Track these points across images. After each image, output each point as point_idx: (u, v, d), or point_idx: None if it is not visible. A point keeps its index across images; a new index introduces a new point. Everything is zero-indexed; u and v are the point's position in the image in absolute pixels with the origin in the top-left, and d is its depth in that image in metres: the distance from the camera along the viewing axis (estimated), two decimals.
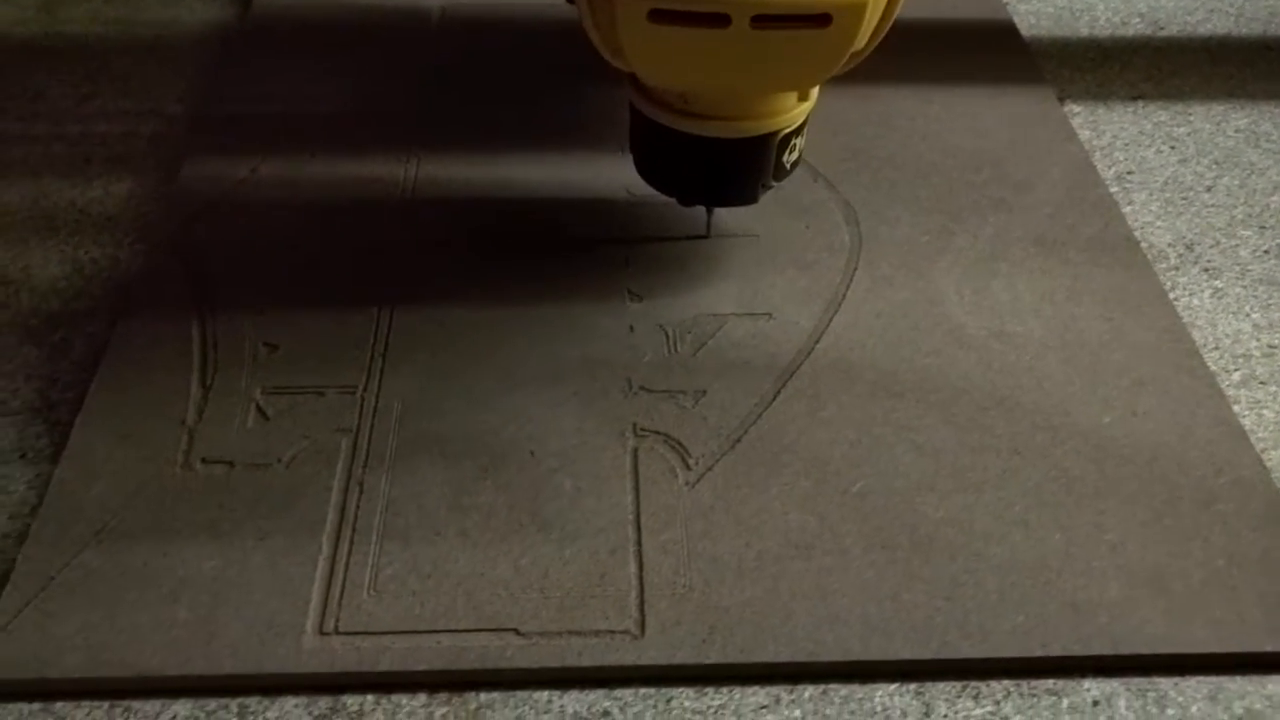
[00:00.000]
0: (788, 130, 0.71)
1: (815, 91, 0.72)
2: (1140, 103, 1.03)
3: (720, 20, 0.58)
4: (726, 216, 0.83)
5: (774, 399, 0.72)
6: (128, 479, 0.66)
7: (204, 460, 0.68)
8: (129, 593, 0.61)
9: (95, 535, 0.63)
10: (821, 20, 0.59)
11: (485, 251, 0.83)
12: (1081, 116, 1.01)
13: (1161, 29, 1.13)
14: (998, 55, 1.06)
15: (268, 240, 0.83)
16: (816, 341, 0.76)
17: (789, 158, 0.74)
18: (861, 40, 0.62)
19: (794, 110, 0.71)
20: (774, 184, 0.75)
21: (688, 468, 0.68)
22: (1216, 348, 0.78)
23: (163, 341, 0.75)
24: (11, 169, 0.91)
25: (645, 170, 0.78)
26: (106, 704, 0.58)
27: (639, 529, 0.64)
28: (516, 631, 0.59)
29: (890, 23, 0.63)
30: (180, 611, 0.60)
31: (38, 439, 0.70)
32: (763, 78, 0.66)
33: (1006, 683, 0.60)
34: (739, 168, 0.73)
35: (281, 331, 0.76)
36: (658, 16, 0.59)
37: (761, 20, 0.58)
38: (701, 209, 0.81)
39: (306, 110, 0.96)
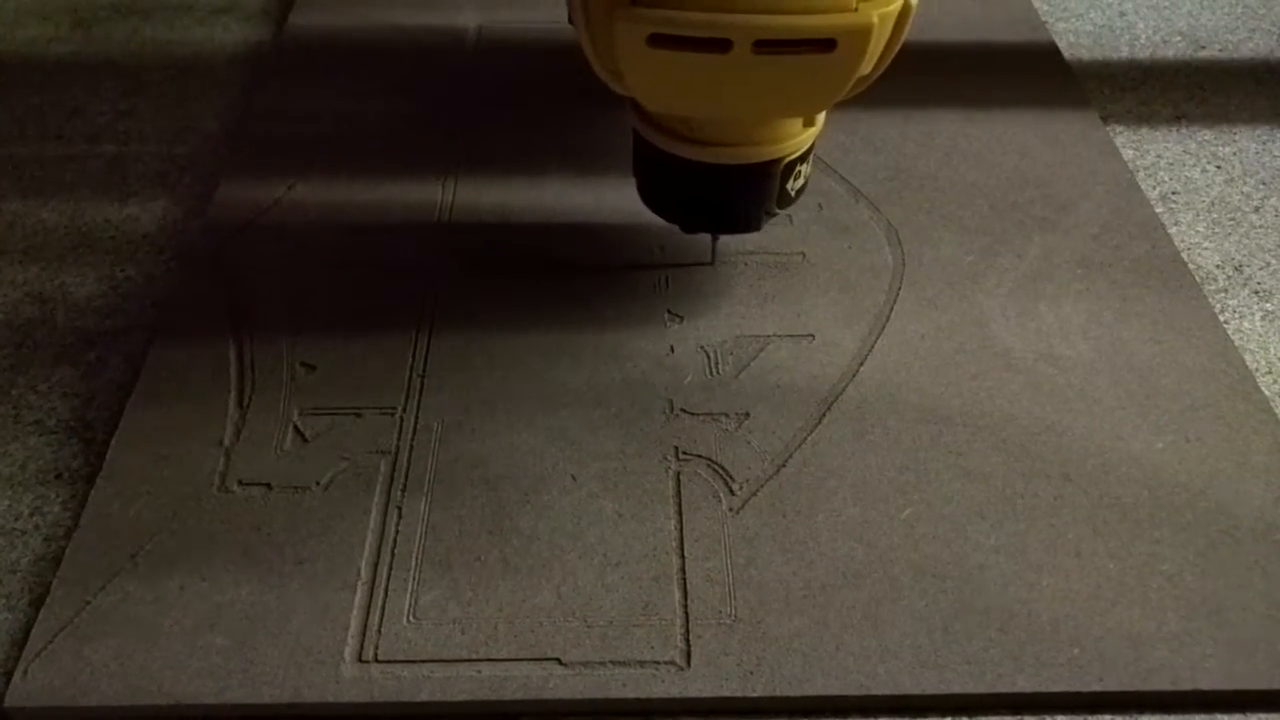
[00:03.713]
0: (793, 157, 0.70)
1: (821, 118, 0.70)
2: (1183, 122, 1.01)
3: (721, 45, 0.57)
4: (766, 237, 0.82)
5: (819, 423, 0.71)
6: (165, 501, 0.66)
7: (241, 482, 0.67)
8: (165, 618, 0.60)
9: (131, 559, 0.63)
10: (826, 45, 0.57)
11: (523, 272, 0.82)
12: (1124, 136, 0.99)
13: (1203, 48, 1.12)
14: (1039, 75, 1.04)
15: (304, 260, 0.83)
16: (861, 364, 0.74)
17: (794, 185, 0.72)
18: (868, 65, 0.61)
19: (799, 137, 0.69)
20: (778, 211, 0.74)
21: (731, 493, 0.67)
22: (1270, 372, 0.76)
23: (199, 361, 0.74)
24: (48, 187, 0.91)
25: (648, 197, 0.76)
26: None
27: (683, 556, 0.63)
28: (559, 661, 0.58)
29: (897, 48, 0.61)
30: (217, 638, 0.59)
31: (73, 459, 0.69)
32: (766, 103, 0.64)
33: (1062, 718, 0.58)
34: (742, 195, 0.72)
35: (319, 352, 0.75)
36: (658, 41, 0.57)
37: (764, 45, 0.57)
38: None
39: (342, 130, 0.96)
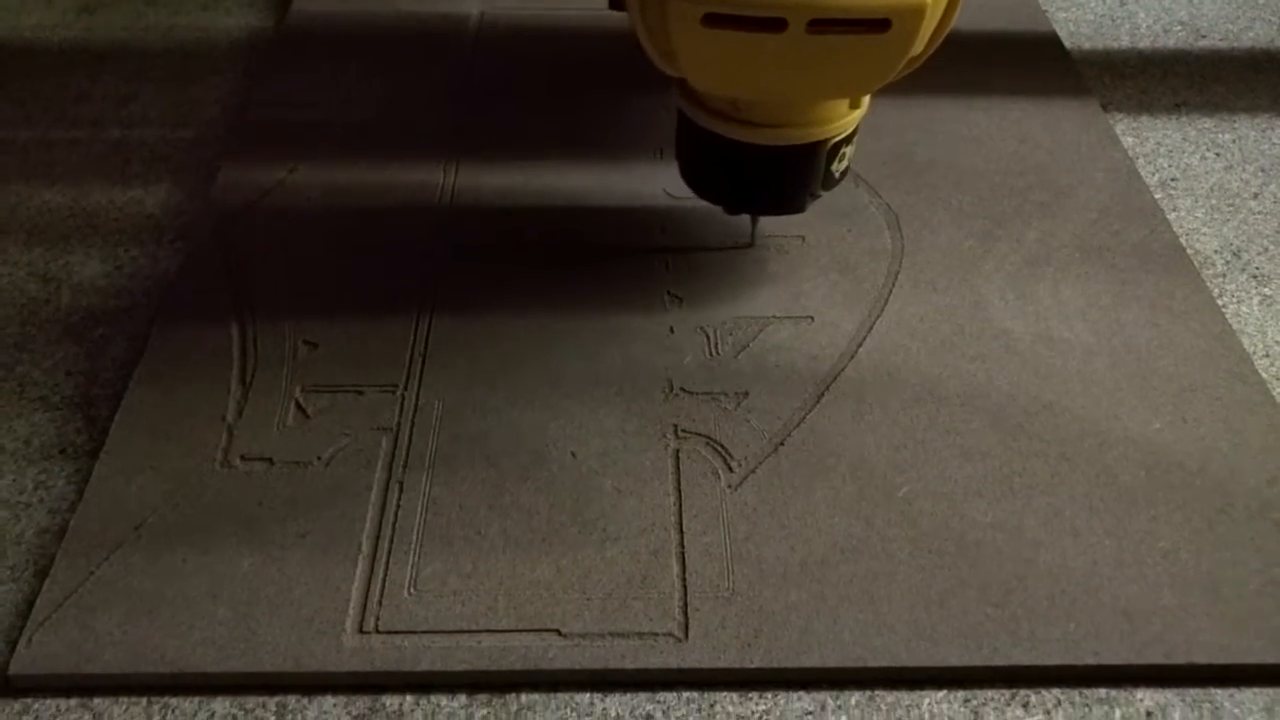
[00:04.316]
0: (838, 138, 0.70)
1: (866, 99, 0.71)
2: (1183, 110, 1.01)
3: (777, 25, 0.56)
4: (768, 221, 0.82)
5: (817, 402, 0.71)
6: (167, 475, 0.66)
7: (244, 457, 0.67)
8: (168, 589, 0.60)
9: (134, 531, 0.63)
10: (880, 25, 0.57)
11: (524, 254, 0.82)
12: (1124, 123, 0.99)
13: (1203, 37, 1.12)
14: (1040, 63, 1.05)
15: (306, 241, 0.83)
16: (859, 345, 0.75)
17: (838, 166, 0.72)
18: (919, 45, 0.61)
19: (845, 118, 0.69)
20: (821, 193, 0.74)
21: (730, 470, 0.67)
22: (1267, 355, 0.77)
23: (202, 339, 0.74)
24: (53, 170, 0.92)
25: (691, 178, 0.76)
26: (144, 700, 0.57)
27: (681, 531, 0.64)
28: (558, 632, 0.59)
29: (948, 28, 0.61)
30: (219, 609, 0.59)
31: (77, 435, 0.70)
32: (818, 84, 0.64)
33: (1057, 691, 0.58)
34: (788, 176, 0.72)
35: (321, 330, 0.75)
36: (712, 20, 0.57)
37: (819, 25, 0.56)
38: (744, 216, 0.80)
39: (344, 114, 0.96)
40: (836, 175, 0.73)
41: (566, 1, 1.11)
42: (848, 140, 0.71)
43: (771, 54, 0.59)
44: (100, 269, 0.82)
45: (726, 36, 0.58)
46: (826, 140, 0.69)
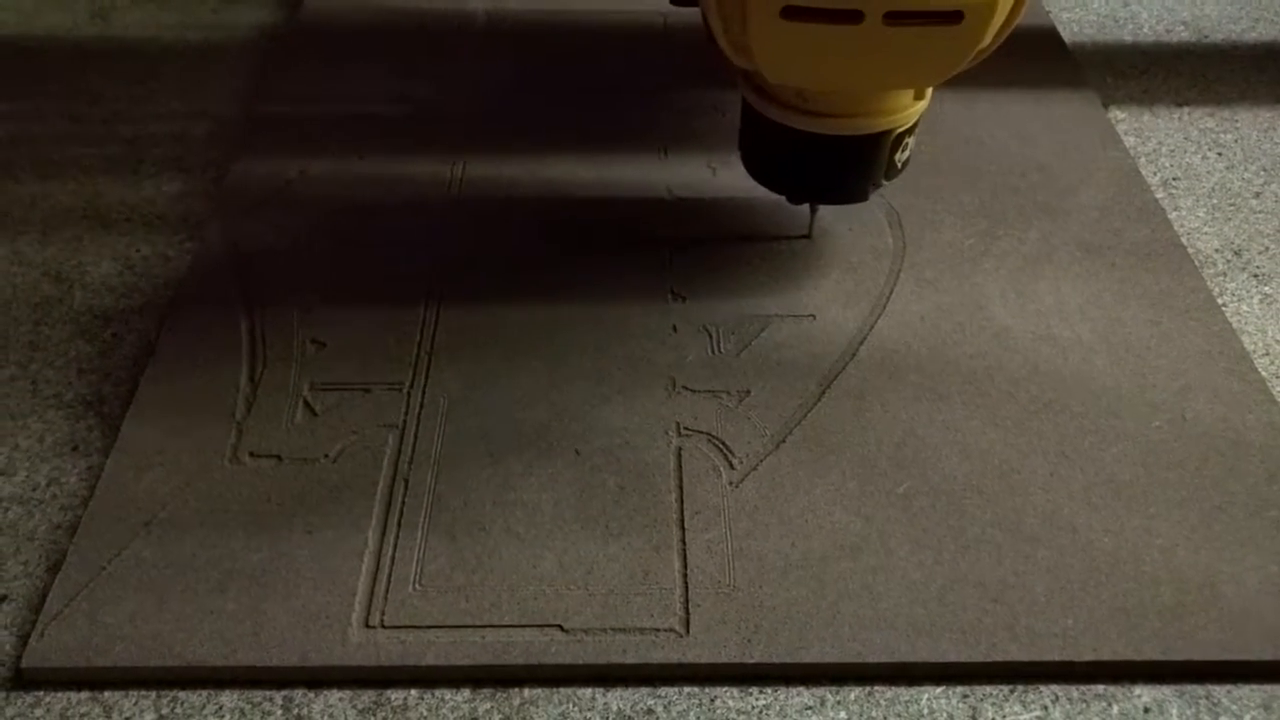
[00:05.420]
0: (902, 129, 0.71)
1: (930, 91, 0.71)
2: (1186, 109, 1.02)
3: (853, 17, 0.58)
4: (769, 220, 0.83)
5: (818, 400, 0.72)
6: (177, 472, 0.67)
7: (252, 454, 0.68)
8: (177, 584, 0.61)
9: (145, 527, 0.64)
10: (953, 17, 0.58)
11: (529, 252, 0.83)
12: (1126, 123, 1.00)
13: (1206, 36, 1.13)
14: (1042, 62, 1.05)
15: (316, 239, 0.84)
16: (861, 343, 0.76)
17: (901, 156, 0.73)
18: (988, 38, 0.62)
19: (909, 109, 0.70)
20: (884, 183, 0.74)
21: (731, 467, 0.68)
22: (1266, 353, 0.77)
23: (212, 338, 0.75)
24: (66, 169, 0.93)
25: (755, 168, 0.77)
26: (154, 693, 0.58)
27: (683, 527, 0.64)
28: (561, 628, 0.59)
29: (1016, 21, 0.62)
30: (227, 603, 0.60)
31: (89, 432, 0.71)
32: (889, 75, 0.65)
33: (1055, 687, 0.59)
34: (853, 166, 0.73)
35: (329, 329, 0.76)
36: (791, 13, 0.58)
37: (894, 17, 0.58)
38: (748, 214, 0.81)
39: (354, 112, 0.97)
40: (899, 165, 0.74)
41: (571, 1, 1.12)
42: (910, 131, 0.72)
43: (846, 45, 0.60)
44: (112, 268, 0.83)
45: (803, 28, 0.59)
46: (891, 130, 0.70)
